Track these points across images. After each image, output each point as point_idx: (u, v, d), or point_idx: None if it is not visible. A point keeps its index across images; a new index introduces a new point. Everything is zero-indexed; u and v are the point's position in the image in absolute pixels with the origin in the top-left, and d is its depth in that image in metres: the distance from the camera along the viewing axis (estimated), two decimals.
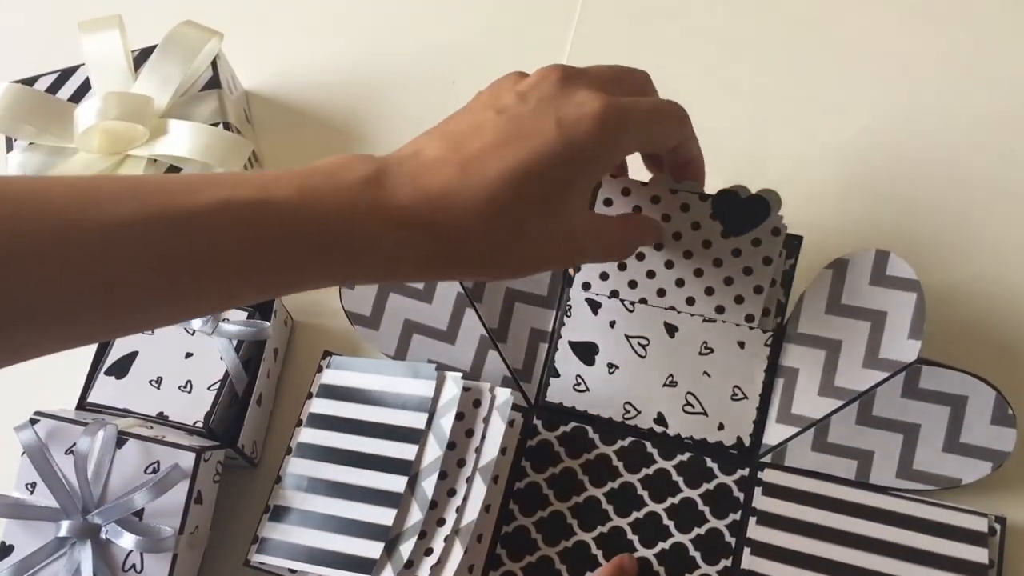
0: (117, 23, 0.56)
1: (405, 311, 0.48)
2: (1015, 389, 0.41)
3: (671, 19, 0.57)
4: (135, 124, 0.53)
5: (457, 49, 0.59)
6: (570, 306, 0.45)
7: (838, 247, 0.45)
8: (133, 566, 0.43)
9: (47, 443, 0.45)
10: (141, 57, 0.56)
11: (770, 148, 0.53)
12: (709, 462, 0.44)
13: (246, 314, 0.49)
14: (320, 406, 0.46)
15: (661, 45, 0.57)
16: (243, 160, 0.53)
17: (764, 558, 0.41)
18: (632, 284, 0.44)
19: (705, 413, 0.44)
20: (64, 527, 0.43)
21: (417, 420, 0.43)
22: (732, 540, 0.42)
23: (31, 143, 0.55)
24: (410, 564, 0.41)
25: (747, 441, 0.43)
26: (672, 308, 0.44)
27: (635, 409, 0.45)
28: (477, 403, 0.44)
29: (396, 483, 0.42)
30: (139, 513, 0.43)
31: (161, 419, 0.47)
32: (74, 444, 0.44)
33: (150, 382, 0.48)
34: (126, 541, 0.42)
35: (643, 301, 0.44)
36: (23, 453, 0.45)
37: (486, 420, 0.43)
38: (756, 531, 0.42)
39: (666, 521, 0.43)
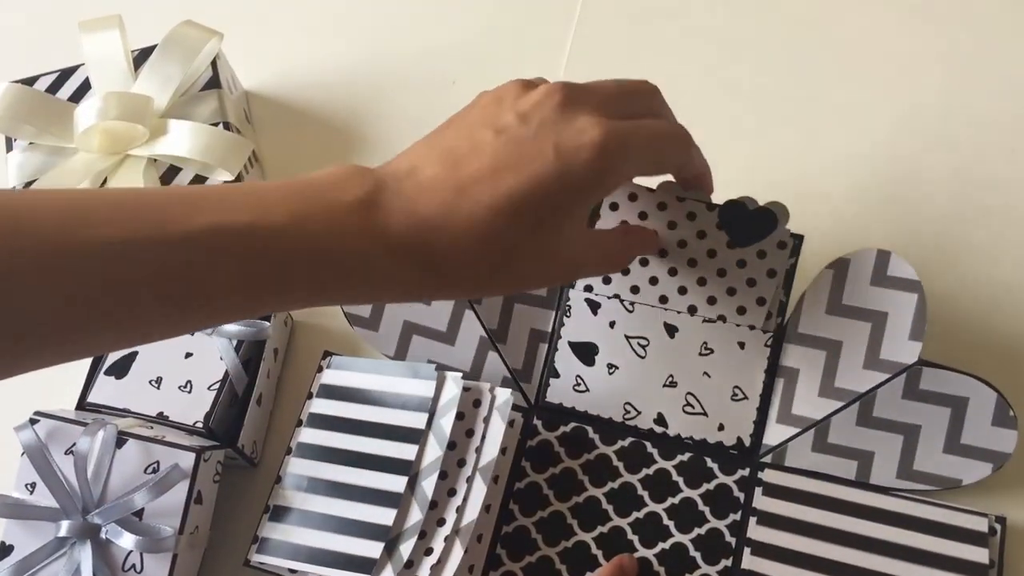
0: (117, 23, 0.56)
1: (404, 312, 0.48)
2: (1016, 391, 0.41)
3: (671, 19, 0.57)
4: (135, 124, 0.53)
5: (457, 49, 0.59)
6: (570, 306, 0.45)
7: (839, 247, 0.44)
8: (133, 566, 0.43)
9: (47, 443, 0.45)
10: (141, 57, 0.56)
11: (770, 148, 0.53)
12: (709, 462, 0.44)
13: None
14: (320, 406, 0.46)
15: (661, 45, 0.57)
16: (243, 160, 0.53)
17: (764, 558, 0.41)
18: (634, 289, 0.44)
19: (705, 413, 0.44)
20: (64, 527, 0.43)
21: (417, 420, 0.43)
22: (732, 540, 0.42)
23: (31, 143, 0.55)
24: (410, 564, 0.41)
25: (747, 441, 0.43)
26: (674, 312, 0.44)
27: (635, 409, 0.45)
28: (477, 403, 0.44)
29: (396, 483, 0.42)
30: (139, 513, 0.43)
31: (161, 419, 0.47)
32: (74, 444, 0.44)
33: (150, 382, 0.48)
34: (126, 541, 0.42)
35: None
36: (23, 453, 0.45)
37: (486, 420, 0.43)
38: (756, 531, 0.42)
39: (666, 521, 0.43)
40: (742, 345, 0.43)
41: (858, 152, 0.52)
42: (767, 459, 0.43)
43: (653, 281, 0.44)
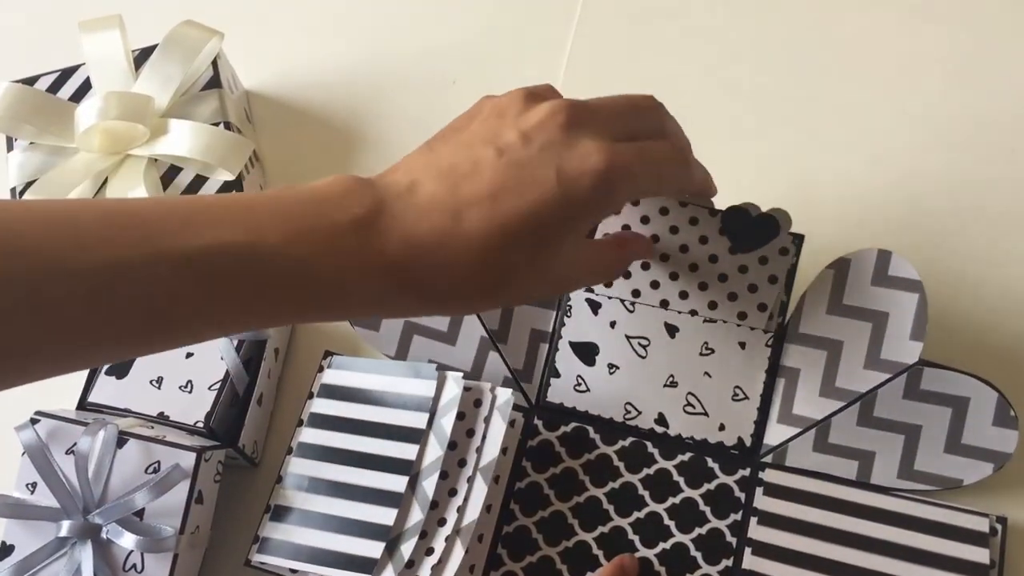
0: (117, 23, 0.56)
1: None
2: (1017, 391, 0.41)
3: (671, 19, 0.57)
4: (136, 124, 0.53)
5: (457, 49, 0.59)
6: (570, 306, 0.45)
7: (840, 246, 0.44)
8: (134, 566, 0.43)
9: (48, 443, 0.45)
10: (141, 57, 0.56)
11: (770, 148, 0.53)
12: (710, 462, 0.44)
13: None
14: (321, 406, 0.46)
15: (661, 45, 0.57)
16: (244, 160, 0.53)
17: (765, 558, 0.41)
18: (635, 293, 0.44)
19: (706, 413, 0.44)
20: (65, 527, 0.43)
21: (418, 420, 0.43)
22: (733, 540, 0.42)
23: (31, 143, 0.55)
24: (411, 564, 0.41)
25: (748, 441, 0.43)
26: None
27: (636, 409, 0.45)
28: (478, 403, 0.44)
29: (397, 483, 0.42)
30: (140, 513, 0.43)
31: (162, 419, 0.47)
32: (75, 444, 0.44)
33: (151, 382, 0.48)
34: (127, 541, 0.42)
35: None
36: (24, 453, 0.45)
37: (487, 420, 0.43)
38: (757, 531, 0.42)
39: (667, 521, 0.43)
40: (743, 345, 0.43)
41: (858, 152, 0.52)
42: (768, 459, 0.43)
43: (654, 285, 0.44)
